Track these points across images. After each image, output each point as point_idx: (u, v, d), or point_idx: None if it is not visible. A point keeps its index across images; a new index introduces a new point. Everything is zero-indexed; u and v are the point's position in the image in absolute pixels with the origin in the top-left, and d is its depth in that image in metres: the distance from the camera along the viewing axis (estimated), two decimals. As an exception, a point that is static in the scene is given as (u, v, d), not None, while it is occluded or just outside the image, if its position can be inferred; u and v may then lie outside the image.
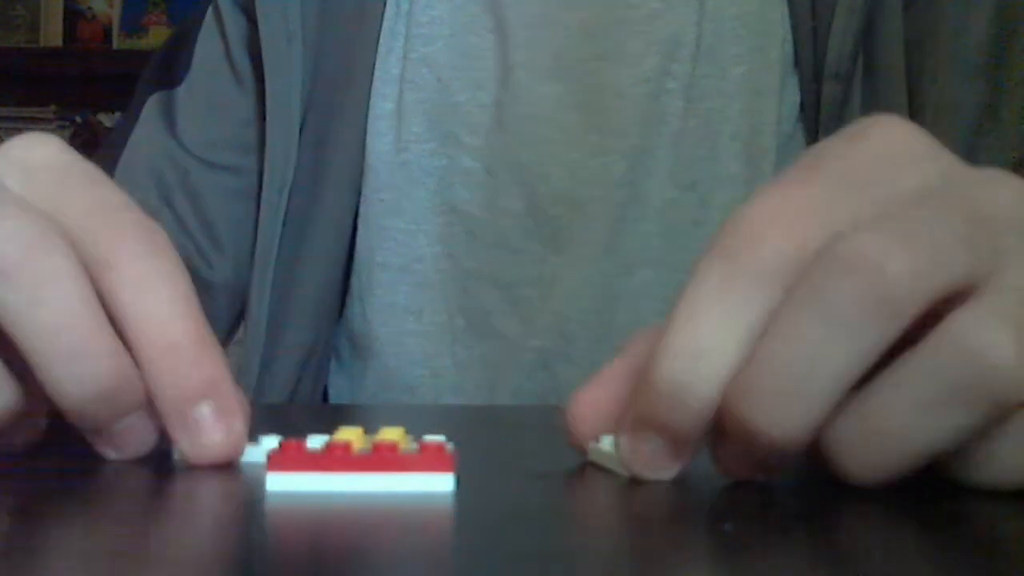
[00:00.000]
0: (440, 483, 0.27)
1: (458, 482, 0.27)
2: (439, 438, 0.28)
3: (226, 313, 0.63)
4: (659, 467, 0.28)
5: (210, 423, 0.29)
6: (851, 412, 0.26)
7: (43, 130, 1.92)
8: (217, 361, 0.30)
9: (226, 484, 0.29)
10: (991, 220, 0.27)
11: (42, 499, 0.27)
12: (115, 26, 2.12)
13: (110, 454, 0.31)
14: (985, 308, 0.25)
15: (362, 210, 0.61)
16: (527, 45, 0.59)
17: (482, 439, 0.38)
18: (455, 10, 0.61)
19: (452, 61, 0.60)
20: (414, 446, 0.28)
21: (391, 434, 0.29)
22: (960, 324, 0.25)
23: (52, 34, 2.13)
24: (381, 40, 0.61)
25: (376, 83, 0.61)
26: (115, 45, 2.11)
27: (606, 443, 0.30)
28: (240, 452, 0.30)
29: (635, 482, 0.29)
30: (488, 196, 0.59)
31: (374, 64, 0.61)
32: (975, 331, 0.25)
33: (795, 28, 0.58)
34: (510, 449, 0.36)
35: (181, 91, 0.63)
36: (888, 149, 0.28)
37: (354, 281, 0.62)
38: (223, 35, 0.63)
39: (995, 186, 0.28)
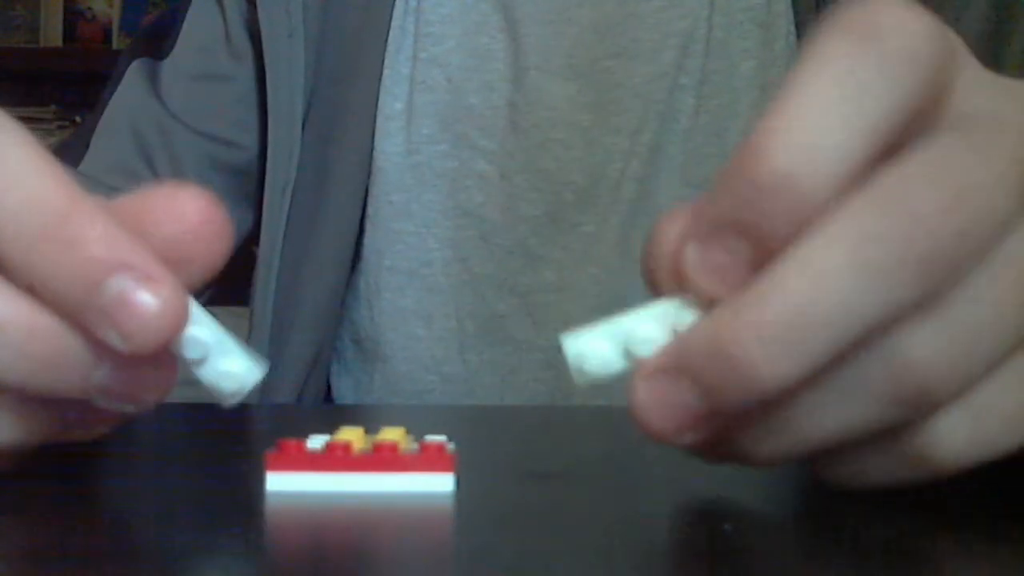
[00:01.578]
0: (440, 483, 0.27)
1: (458, 482, 0.27)
2: (440, 438, 0.28)
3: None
4: (731, 280, 0.23)
5: (132, 295, 0.24)
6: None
7: (43, 130, 1.92)
8: (110, 228, 0.25)
9: (226, 483, 0.29)
10: None
11: (41, 500, 0.27)
12: (115, 26, 2.12)
13: (126, 407, 0.26)
14: (945, 326, 0.23)
15: (370, 212, 0.61)
16: (539, 45, 0.59)
17: (482, 439, 0.38)
18: (465, 9, 0.60)
19: (463, 62, 0.60)
20: (414, 446, 0.28)
21: (391, 434, 0.29)
22: (910, 340, 0.23)
23: (52, 34, 2.12)
24: (390, 38, 0.60)
25: (385, 82, 0.60)
26: (115, 45, 2.11)
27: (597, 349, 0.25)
28: (182, 323, 0.25)
29: (634, 479, 0.29)
30: (504, 200, 0.59)
31: (383, 61, 0.60)
32: (922, 355, 0.23)
33: (799, 20, 0.58)
34: (510, 449, 0.36)
35: (167, 63, 0.62)
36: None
37: (361, 283, 0.62)
38: (221, 12, 0.62)
39: None
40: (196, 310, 0.26)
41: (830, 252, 0.22)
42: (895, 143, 0.24)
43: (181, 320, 0.25)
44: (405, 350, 0.60)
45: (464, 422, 0.43)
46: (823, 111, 0.22)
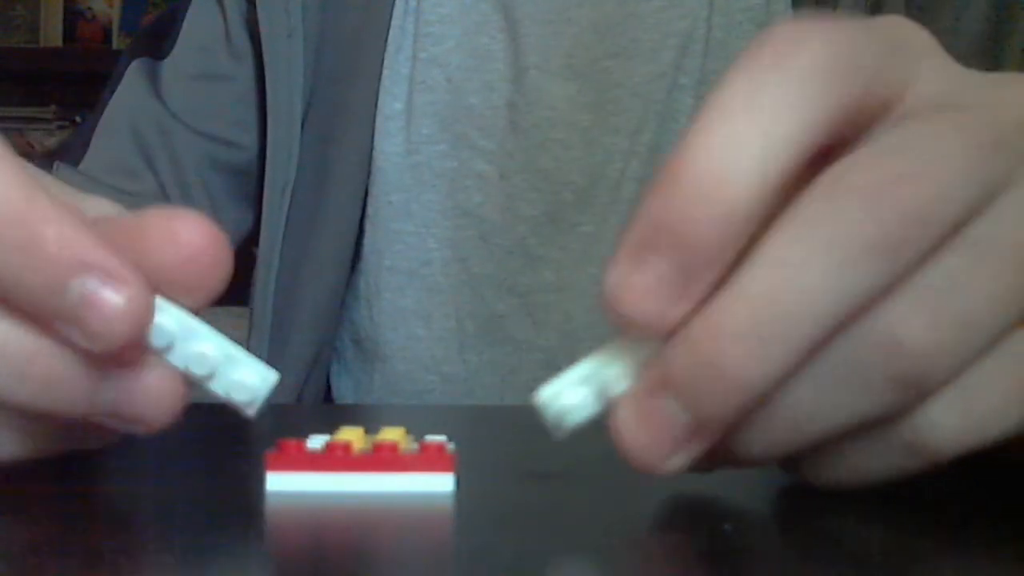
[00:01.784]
0: (440, 483, 0.27)
1: (458, 482, 0.27)
2: (440, 438, 0.28)
3: None
4: (654, 304, 0.23)
5: (97, 295, 0.24)
6: None
7: (43, 130, 1.92)
8: (72, 226, 0.24)
9: (226, 483, 0.29)
10: (1013, 138, 0.24)
11: (41, 500, 0.27)
12: (115, 26, 2.12)
13: (127, 427, 0.26)
14: (925, 301, 0.23)
15: (370, 212, 0.61)
16: (539, 44, 0.59)
17: (482, 439, 0.38)
18: (465, 9, 0.60)
19: (463, 62, 0.60)
20: (414, 446, 0.28)
21: (391, 434, 0.29)
22: (891, 315, 0.23)
23: (52, 34, 2.12)
24: (390, 38, 0.60)
25: (385, 82, 0.60)
26: (115, 45, 2.11)
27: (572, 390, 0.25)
28: (146, 321, 0.25)
29: (634, 479, 0.29)
30: (503, 200, 0.59)
31: (382, 62, 0.60)
32: (905, 328, 0.23)
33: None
34: (510, 449, 0.36)
35: (167, 63, 0.62)
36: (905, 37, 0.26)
37: (361, 284, 0.62)
38: (222, 11, 0.62)
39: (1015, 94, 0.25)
40: (199, 325, 0.26)
41: (795, 244, 0.22)
42: (851, 136, 0.24)
43: (147, 317, 0.25)
44: (405, 350, 0.60)
45: (464, 422, 0.43)
46: (744, 122, 0.23)
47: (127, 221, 0.26)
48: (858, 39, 0.24)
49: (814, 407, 0.24)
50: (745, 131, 0.23)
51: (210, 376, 0.26)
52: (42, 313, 0.24)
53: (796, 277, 0.22)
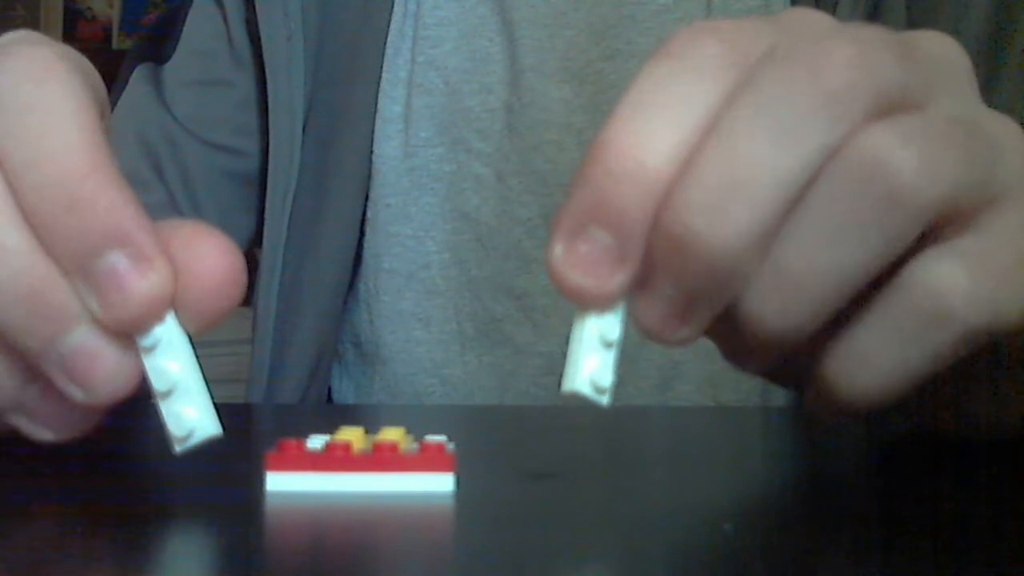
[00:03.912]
0: (440, 483, 0.27)
1: (458, 482, 0.27)
2: (440, 438, 0.28)
3: None
4: (601, 273, 0.25)
5: (123, 272, 0.25)
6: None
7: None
8: (122, 201, 0.25)
9: (226, 483, 0.29)
10: (920, 56, 0.26)
11: (41, 499, 0.27)
12: (115, 26, 2.12)
13: (77, 394, 0.26)
14: (895, 127, 0.25)
15: (369, 215, 0.61)
16: (536, 47, 0.59)
17: (482, 439, 0.38)
18: (463, 12, 0.60)
19: (460, 64, 0.60)
20: (414, 446, 0.28)
21: (391, 434, 0.29)
22: (866, 140, 0.24)
23: (52, 34, 2.12)
24: (388, 41, 0.60)
25: (384, 85, 0.60)
26: (115, 45, 2.11)
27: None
28: (161, 311, 0.25)
29: (634, 479, 0.29)
30: (499, 204, 0.59)
31: (382, 65, 0.60)
32: (882, 146, 0.24)
33: None
34: (510, 449, 0.36)
35: (169, 68, 0.62)
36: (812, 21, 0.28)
37: (361, 287, 0.62)
38: (223, 15, 0.62)
39: (920, 36, 0.28)
40: (183, 346, 0.26)
41: (742, 112, 0.24)
42: None
43: (164, 306, 0.25)
44: (404, 353, 0.60)
45: (464, 422, 0.43)
46: (657, 107, 0.25)
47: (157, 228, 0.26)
48: (762, 33, 0.26)
49: (812, 256, 0.25)
50: (658, 115, 0.25)
51: (165, 395, 0.26)
52: (71, 269, 0.25)
53: (746, 143, 0.24)
